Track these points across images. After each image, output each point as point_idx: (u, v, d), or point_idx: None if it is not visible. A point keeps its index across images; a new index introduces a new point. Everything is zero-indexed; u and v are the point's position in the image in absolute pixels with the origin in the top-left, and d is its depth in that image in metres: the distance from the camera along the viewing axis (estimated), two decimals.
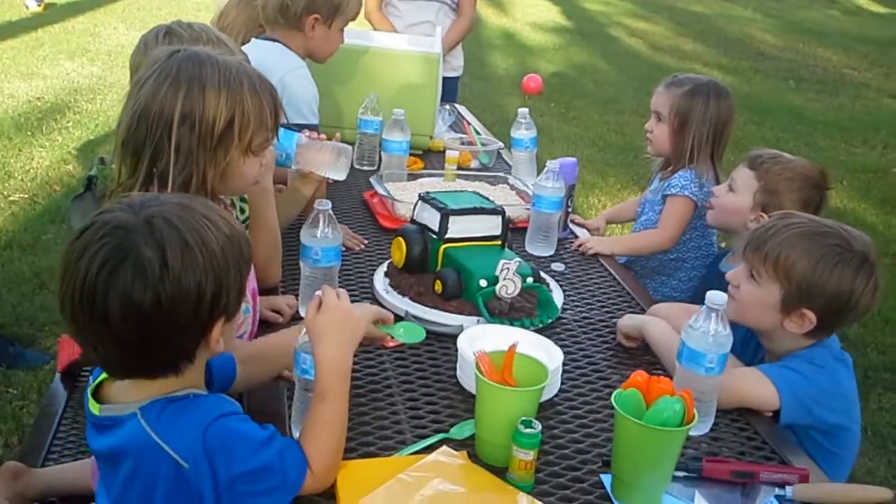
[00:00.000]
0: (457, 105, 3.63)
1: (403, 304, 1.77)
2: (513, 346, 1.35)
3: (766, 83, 8.44)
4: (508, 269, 1.70)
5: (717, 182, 2.34)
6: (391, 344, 1.58)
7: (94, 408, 1.21)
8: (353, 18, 2.59)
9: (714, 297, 1.41)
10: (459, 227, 1.81)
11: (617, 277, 2.09)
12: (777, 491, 1.29)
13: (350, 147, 2.08)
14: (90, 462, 1.84)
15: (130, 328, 1.10)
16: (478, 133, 3.01)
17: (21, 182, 4.50)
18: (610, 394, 1.29)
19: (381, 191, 2.31)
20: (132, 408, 1.15)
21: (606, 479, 1.30)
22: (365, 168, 2.73)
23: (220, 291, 1.13)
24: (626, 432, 1.23)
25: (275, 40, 2.49)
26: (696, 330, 1.42)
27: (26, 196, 4.34)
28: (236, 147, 1.46)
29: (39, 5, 8.44)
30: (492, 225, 1.85)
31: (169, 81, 1.43)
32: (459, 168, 2.62)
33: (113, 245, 1.09)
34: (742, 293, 1.63)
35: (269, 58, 2.34)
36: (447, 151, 2.62)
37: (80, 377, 2.08)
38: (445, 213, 1.80)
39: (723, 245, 2.48)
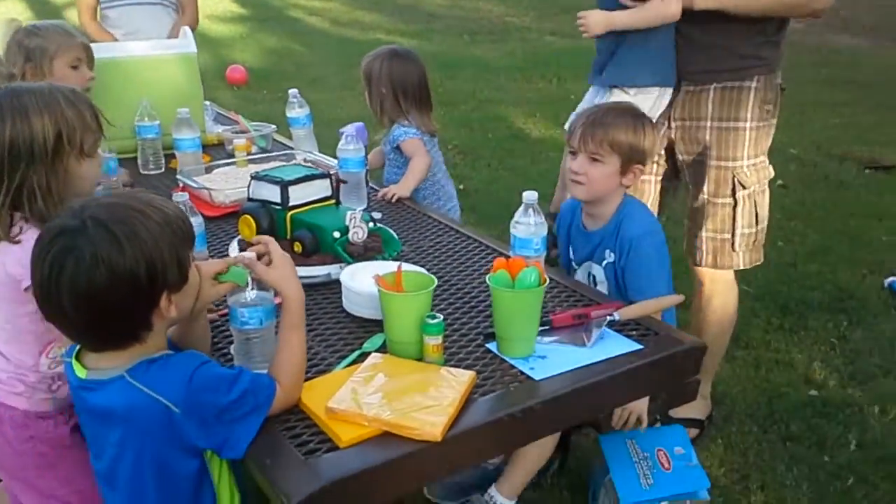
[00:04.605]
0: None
1: None
2: (399, 266, 1.69)
3: (445, 41, 9.28)
4: (355, 218, 2.01)
5: (427, 129, 2.76)
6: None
7: (80, 372, 1.40)
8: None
9: (529, 196, 1.85)
10: (298, 195, 2.09)
11: (423, 212, 2.49)
12: (608, 319, 1.78)
13: None
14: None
15: (83, 314, 1.32)
16: (249, 121, 3.23)
17: None
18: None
19: (193, 185, 2.49)
20: (117, 371, 1.35)
21: (492, 345, 1.70)
22: (152, 172, 2.85)
23: (154, 271, 1.33)
24: (504, 300, 1.64)
25: None
26: (521, 224, 1.86)
27: None
28: (70, 155, 1.67)
29: None
30: (323, 187, 2.15)
31: None
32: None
33: (58, 248, 1.30)
34: (592, 176, 2.09)
35: None
36: (234, 140, 2.83)
37: None
38: (284, 185, 2.07)
39: None
